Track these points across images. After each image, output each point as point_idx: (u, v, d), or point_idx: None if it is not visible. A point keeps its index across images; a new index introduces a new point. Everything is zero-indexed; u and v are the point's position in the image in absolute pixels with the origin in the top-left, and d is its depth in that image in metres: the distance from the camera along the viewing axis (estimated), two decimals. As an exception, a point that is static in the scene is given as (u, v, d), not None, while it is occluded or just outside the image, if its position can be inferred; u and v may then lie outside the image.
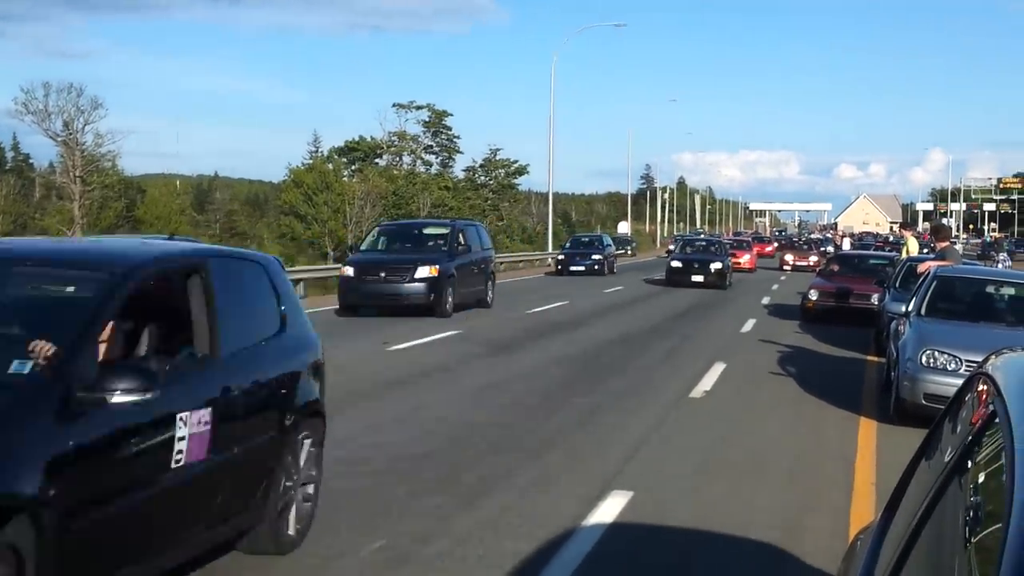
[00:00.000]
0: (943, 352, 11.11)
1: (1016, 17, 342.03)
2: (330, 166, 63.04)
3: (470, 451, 9.41)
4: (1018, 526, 1.60)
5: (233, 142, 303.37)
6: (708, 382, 14.05)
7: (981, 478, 2.15)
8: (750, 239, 62.29)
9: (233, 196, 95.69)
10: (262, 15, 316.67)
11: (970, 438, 2.38)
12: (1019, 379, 2.26)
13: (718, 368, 15.31)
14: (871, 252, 35.09)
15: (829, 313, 23.20)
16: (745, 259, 48.58)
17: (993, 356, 2.82)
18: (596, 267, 43.86)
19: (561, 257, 45.86)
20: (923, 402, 10.75)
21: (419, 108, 75.12)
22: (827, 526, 7.40)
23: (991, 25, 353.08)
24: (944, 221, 78.52)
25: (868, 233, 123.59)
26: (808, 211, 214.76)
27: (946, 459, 2.54)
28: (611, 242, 52.20)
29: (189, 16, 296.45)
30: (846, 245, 62.41)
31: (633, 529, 7.21)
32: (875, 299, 22.17)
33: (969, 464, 2.30)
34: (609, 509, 7.56)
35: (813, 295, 23.86)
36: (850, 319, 22.41)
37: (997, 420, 2.14)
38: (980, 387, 2.60)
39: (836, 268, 26.55)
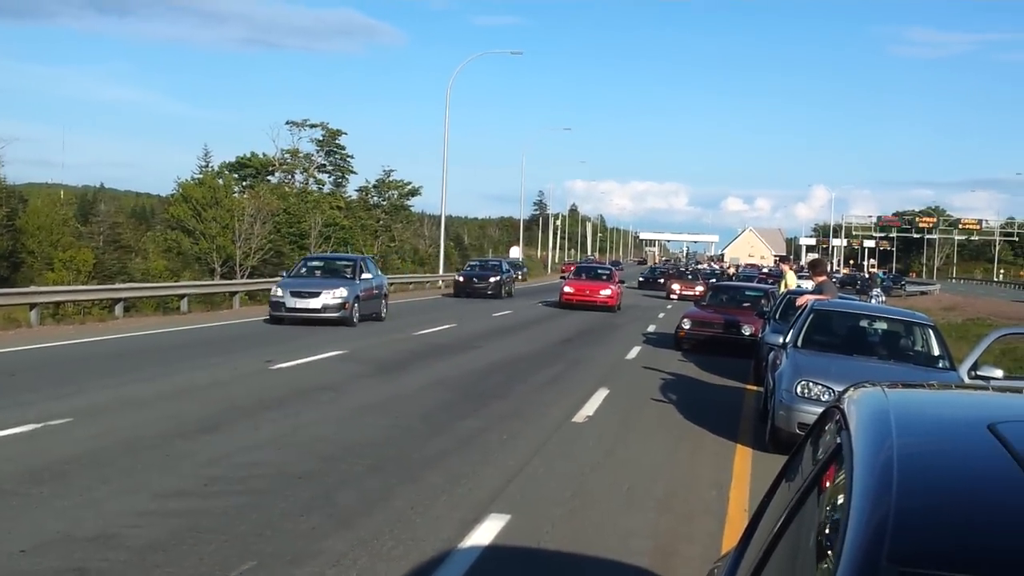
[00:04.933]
0: (817, 383, 11.38)
1: (892, 65, 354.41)
2: (220, 181, 62.02)
3: (349, 472, 9.32)
4: (849, 563, 1.65)
5: (121, 153, 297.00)
6: (591, 407, 14.16)
7: (828, 509, 2.21)
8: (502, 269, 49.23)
9: (119, 208, 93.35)
10: (155, 27, 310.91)
11: (819, 468, 2.44)
12: (865, 416, 2.33)
13: (601, 393, 15.45)
14: (746, 284, 35.75)
15: (700, 343, 23.55)
16: None
17: (851, 389, 2.90)
18: (490, 291, 44.14)
19: (460, 279, 45.79)
20: (797, 431, 10.95)
21: (313, 126, 74.60)
22: (699, 552, 7.51)
23: (871, 71, 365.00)
24: (818, 256, 79.95)
25: (752, 265, 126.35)
26: (696, 242, 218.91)
27: (799, 486, 2.60)
28: (510, 267, 52.12)
29: (78, 24, 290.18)
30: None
31: (508, 552, 7.21)
32: (746, 330, 22.70)
33: (817, 494, 2.36)
34: (486, 532, 7.56)
35: (686, 324, 24.20)
36: (721, 349, 22.82)
37: (843, 453, 2.20)
38: (834, 419, 2.67)
39: (711, 299, 27.11)
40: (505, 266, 49.75)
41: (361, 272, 27.51)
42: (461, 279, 45.72)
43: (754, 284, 35.82)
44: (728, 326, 23.57)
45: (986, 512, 1.74)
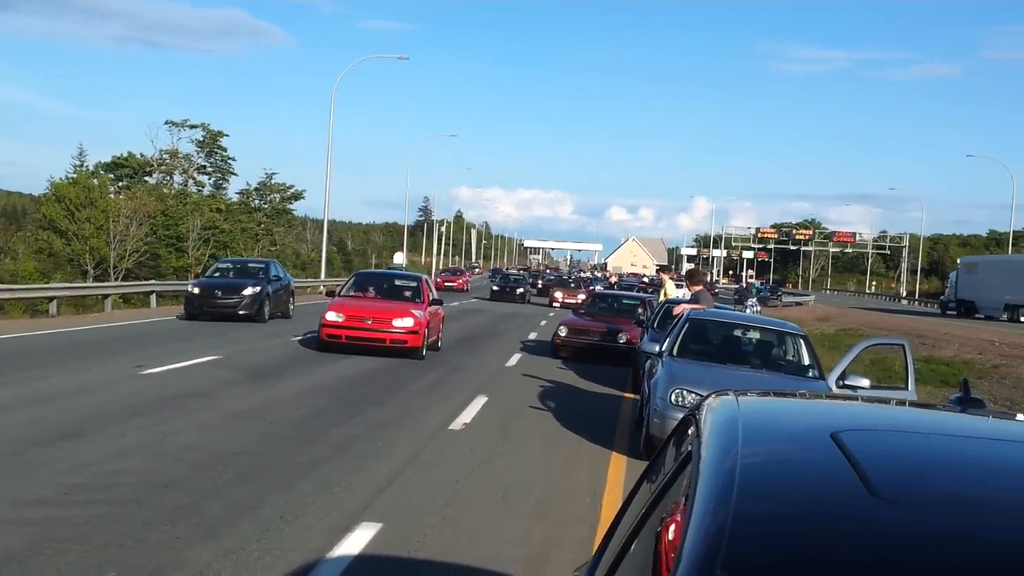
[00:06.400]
0: (691, 391, 11.51)
1: (772, 79, 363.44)
2: (95, 181, 60.48)
3: (218, 480, 9.12)
4: (686, 570, 1.65)
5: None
6: (469, 415, 14.13)
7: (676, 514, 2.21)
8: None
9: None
10: (32, 22, 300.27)
11: (672, 473, 2.45)
12: (716, 424, 2.34)
13: (480, 401, 15.43)
14: (624, 293, 35.92)
15: (578, 350, 23.69)
16: None
17: (712, 396, 2.91)
18: (242, 310, 27.98)
19: (195, 291, 28.87)
20: (670, 439, 11.08)
21: (193, 127, 73.29)
22: (570, 559, 7.51)
23: (752, 85, 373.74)
24: (693, 266, 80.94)
25: (634, 274, 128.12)
26: (581, 250, 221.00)
27: (655, 490, 2.60)
28: (280, 273, 32.25)
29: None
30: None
31: (378, 562, 7.13)
32: (622, 338, 22.94)
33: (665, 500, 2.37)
34: (356, 541, 7.46)
35: (562, 332, 24.36)
36: (598, 357, 23.01)
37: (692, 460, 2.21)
38: (691, 426, 2.68)
39: (590, 307, 27.38)
40: (275, 271, 31.47)
41: None
42: (196, 291, 28.83)
43: (632, 293, 36.20)
44: (605, 334, 23.77)
45: (821, 520, 1.75)
